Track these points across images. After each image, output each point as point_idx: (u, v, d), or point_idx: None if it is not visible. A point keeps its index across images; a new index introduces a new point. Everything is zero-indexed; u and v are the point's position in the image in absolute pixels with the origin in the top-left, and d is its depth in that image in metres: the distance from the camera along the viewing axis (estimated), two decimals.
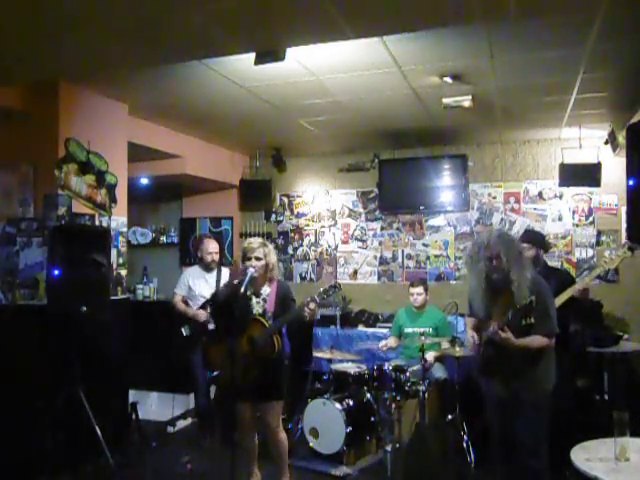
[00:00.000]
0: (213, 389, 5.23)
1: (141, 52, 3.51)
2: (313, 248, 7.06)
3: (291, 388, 3.92)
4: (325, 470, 4.35)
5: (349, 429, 4.37)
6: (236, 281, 3.66)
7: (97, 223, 4.53)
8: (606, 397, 4.66)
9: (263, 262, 3.63)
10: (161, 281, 7.01)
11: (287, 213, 7.19)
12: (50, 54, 3.51)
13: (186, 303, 5.24)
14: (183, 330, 5.13)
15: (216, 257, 5.26)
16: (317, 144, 6.49)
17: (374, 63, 3.93)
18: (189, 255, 7.11)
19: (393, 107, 5.03)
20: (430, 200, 6.33)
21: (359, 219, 6.90)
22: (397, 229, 6.72)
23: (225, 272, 5.29)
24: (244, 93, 4.55)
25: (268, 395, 3.64)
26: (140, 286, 6.84)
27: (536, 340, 3.09)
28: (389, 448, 4.22)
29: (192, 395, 5.54)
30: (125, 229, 4.89)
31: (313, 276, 7.04)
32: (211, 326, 5.00)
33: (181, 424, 5.51)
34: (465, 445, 4.36)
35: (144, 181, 6.53)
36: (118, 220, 4.76)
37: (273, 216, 7.24)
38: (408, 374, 4.53)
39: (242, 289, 3.46)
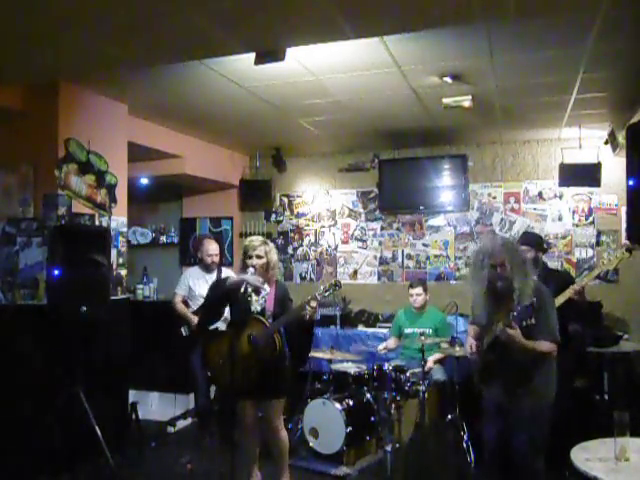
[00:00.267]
0: (213, 389, 5.23)
1: (141, 52, 3.51)
2: (313, 248, 7.06)
3: (291, 388, 3.91)
4: (325, 470, 4.35)
5: (349, 429, 4.37)
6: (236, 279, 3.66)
7: (97, 223, 4.53)
8: (606, 397, 4.65)
9: (264, 260, 3.63)
10: (161, 281, 7.01)
11: (287, 213, 7.19)
12: (50, 54, 3.51)
13: (186, 303, 5.25)
14: (183, 330, 5.14)
15: (216, 258, 5.27)
16: (317, 144, 6.49)
17: (374, 63, 3.93)
18: (189, 255, 7.12)
19: (393, 107, 5.03)
20: (430, 200, 6.33)
21: (359, 219, 6.90)
22: (397, 229, 6.72)
23: (226, 272, 5.29)
24: (244, 93, 4.55)
25: (270, 393, 3.64)
26: (140, 286, 6.84)
27: (542, 345, 3.08)
28: (389, 448, 4.22)
29: (192, 395, 5.53)
30: (125, 229, 4.89)
31: (313, 276, 7.04)
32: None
33: (181, 424, 5.51)
34: (465, 445, 4.36)
35: (144, 181, 6.53)
36: (118, 220, 4.76)
37: (273, 216, 7.24)
38: (408, 374, 4.53)
39: (242, 288, 3.47)
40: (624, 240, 5.42)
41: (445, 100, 4.65)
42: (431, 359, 4.86)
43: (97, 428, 3.87)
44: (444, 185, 6.27)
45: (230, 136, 6.21)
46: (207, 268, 5.24)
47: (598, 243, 6.04)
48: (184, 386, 5.63)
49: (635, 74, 4.15)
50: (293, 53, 3.57)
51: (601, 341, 4.81)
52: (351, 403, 4.55)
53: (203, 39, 3.26)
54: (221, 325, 4.14)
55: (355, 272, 6.87)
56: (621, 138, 5.15)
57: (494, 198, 6.39)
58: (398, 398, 4.43)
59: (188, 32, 3.15)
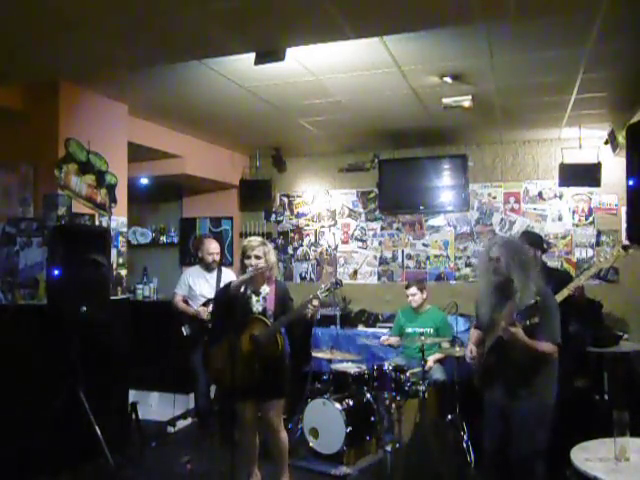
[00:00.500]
0: (213, 389, 5.23)
1: (141, 52, 3.51)
2: (313, 248, 7.06)
3: (291, 388, 3.92)
4: (325, 470, 4.35)
5: (349, 429, 4.37)
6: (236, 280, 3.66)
7: (97, 223, 4.53)
8: (606, 397, 4.65)
9: (262, 260, 3.64)
10: (161, 281, 7.01)
11: (287, 213, 7.19)
12: (50, 54, 3.51)
13: (186, 303, 5.25)
14: (183, 330, 5.14)
15: (217, 257, 5.28)
16: (317, 144, 6.49)
17: (374, 63, 3.93)
18: (189, 255, 7.12)
19: (393, 107, 5.03)
20: (430, 200, 6.33)
21: (359, 219, 6.90)
22: (397, 229, 6.72)
23: (226, 272, 5.30)
24: (244, 93, 4.55)
25: (270, 393, 3.64)
26: (140, 286, 6.85)
27: (543, 345, 3.07)
28: (389, 448, 4.22)
29: (192, 395, 5.53)
30: (125, 229, 4.89)
31: (313, 276, 7.04)
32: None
33: (181, 424, 5.51)
34: (465, 445, 4.36)
35: (144, 181, 6.53)
36: (118, 220, 4.76)
37: (273, 216, 7.24)
38: (408, 374, 4.53)
39: (242, 288, 3.47)
40: (624, 240, 5.42)
41: (445, 100, 4.64)
42: (431, 359, 4.86)
43: (97, 428, 3.86)
44: (444, 185, 6.27)
45: (230, 136, 6.21)
46: (207, 267, 5.24)
47: (598, 243, 6.04)
48: (184, 386, 5.63)
49: (635, 74, 4.15)
50: (293, 53, 3.57)
51: (601, 341, 4.82)
52: (351, 403, 4.55)
53: (203, 39, 3.26)
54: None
55: (355, 272, 6.87)
56: (621, 138, 5.15)
57: (494, 198, 6.39)
58: (398, 398, 4.43)
59: (188, 32, 3.15)
